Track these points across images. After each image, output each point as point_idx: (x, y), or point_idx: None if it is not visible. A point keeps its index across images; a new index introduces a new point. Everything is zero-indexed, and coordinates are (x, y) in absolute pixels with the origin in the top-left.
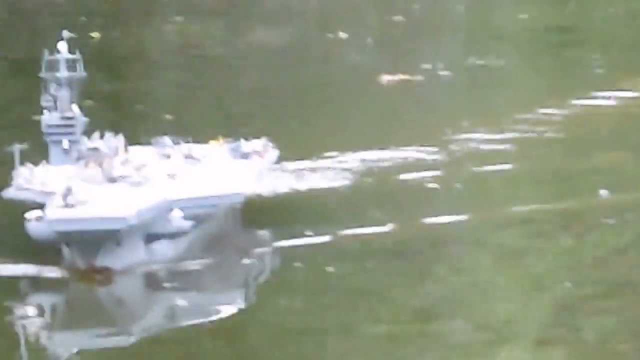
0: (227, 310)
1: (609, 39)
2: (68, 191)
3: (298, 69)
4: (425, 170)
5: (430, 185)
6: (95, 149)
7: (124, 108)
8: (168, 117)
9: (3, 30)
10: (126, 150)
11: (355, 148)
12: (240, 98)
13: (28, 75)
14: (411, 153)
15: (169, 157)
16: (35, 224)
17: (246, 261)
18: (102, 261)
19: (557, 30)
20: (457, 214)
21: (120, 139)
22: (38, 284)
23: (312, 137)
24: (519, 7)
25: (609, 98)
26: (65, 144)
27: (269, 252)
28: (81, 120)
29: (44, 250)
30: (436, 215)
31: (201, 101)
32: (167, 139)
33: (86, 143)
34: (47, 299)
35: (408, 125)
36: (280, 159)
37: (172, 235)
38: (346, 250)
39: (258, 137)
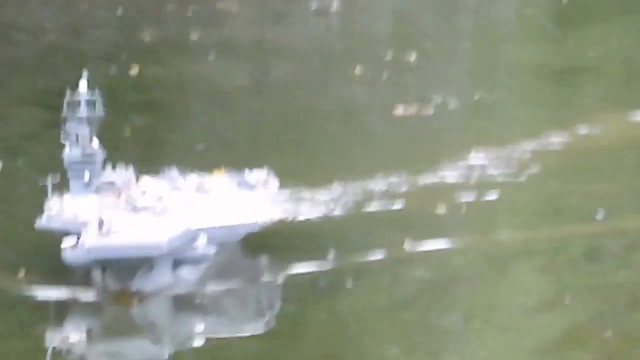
0: (249, 329)
1: (604, 76)
2: (102, 220)
3: (318, 102)
4: (433, 196)
5: (438, 211)
6: (111, 182)
7: (158, 137)
8: (199, 146)
9: (44, 63)
10: (137, 181)
11: (367, 175)
12: (261, 129)
13: (56, 107)
14: (419, 180)
15: (179, 188)
16: (72, 250)
17: (260, 284)
18: (135, 284)
19: (556, 67)
20: (463, 238)
21: (130, 172)
22: (73, 306)
23: (326, 165)
24: (522, 46)
25: (603, 130)
26: (87, 177)
27: (279, 276)
28: (100, 155)
29: (73, 275)
30: (442, 239)
31: (227, 132)
32: (174, 170)
33: (102, 176)
34: (83, 320)
35: (419, 154)
36: (290, 187)
37: (196, 261)
38: (350, 275)
39: (261, 167)
